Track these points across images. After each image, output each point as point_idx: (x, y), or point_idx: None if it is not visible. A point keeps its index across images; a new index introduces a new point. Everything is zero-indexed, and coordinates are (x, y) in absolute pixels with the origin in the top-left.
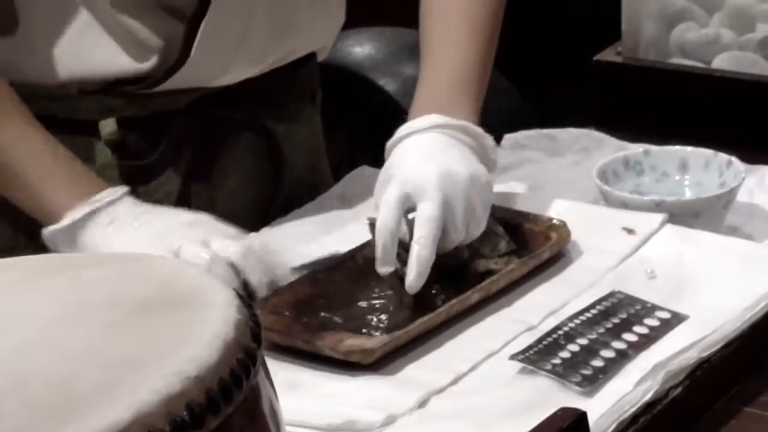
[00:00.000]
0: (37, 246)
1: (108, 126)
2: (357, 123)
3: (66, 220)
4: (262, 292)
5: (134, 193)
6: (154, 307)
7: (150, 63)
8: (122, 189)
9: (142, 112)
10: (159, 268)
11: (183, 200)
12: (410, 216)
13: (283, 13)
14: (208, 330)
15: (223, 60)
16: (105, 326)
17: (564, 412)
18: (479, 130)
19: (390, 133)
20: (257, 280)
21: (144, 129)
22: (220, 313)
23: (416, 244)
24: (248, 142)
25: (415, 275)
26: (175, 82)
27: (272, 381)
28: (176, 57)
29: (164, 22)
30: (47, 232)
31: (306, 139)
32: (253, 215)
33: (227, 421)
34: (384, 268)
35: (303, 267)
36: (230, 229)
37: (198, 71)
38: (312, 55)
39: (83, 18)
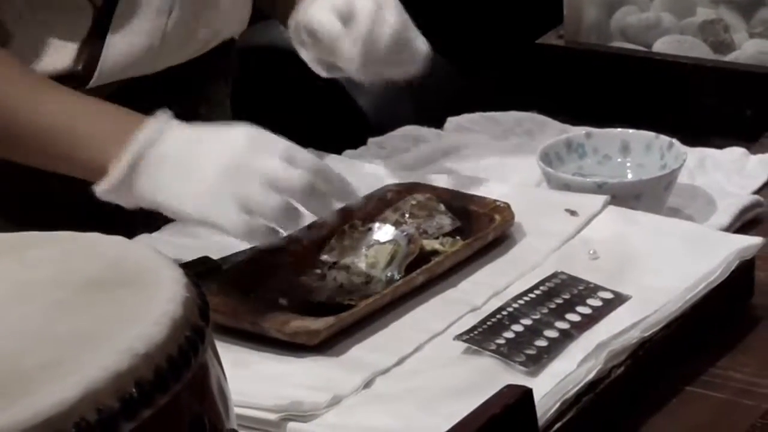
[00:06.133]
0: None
1: None
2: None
3: (114, 176)
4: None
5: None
6: (102, 286)
7: (71, 58)
8: (163, 117)
9: None
10: (106, 246)
11: None
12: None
13: None
14: (156, 308)
15: (147, 45)
16: (53, 305)
17: (510, 389)
18: None
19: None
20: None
21: None
22: (168, 292)
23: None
24: None
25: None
26: (104, 75)
27: (220, 360)
28: (97, 46)
29: (80, 15)
30: (100, 191)
31: (222, 120)
32: None
33: (176, 398)
34: None
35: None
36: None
37: (121, 60)
38: (231, 42)
39: (15, 29)
